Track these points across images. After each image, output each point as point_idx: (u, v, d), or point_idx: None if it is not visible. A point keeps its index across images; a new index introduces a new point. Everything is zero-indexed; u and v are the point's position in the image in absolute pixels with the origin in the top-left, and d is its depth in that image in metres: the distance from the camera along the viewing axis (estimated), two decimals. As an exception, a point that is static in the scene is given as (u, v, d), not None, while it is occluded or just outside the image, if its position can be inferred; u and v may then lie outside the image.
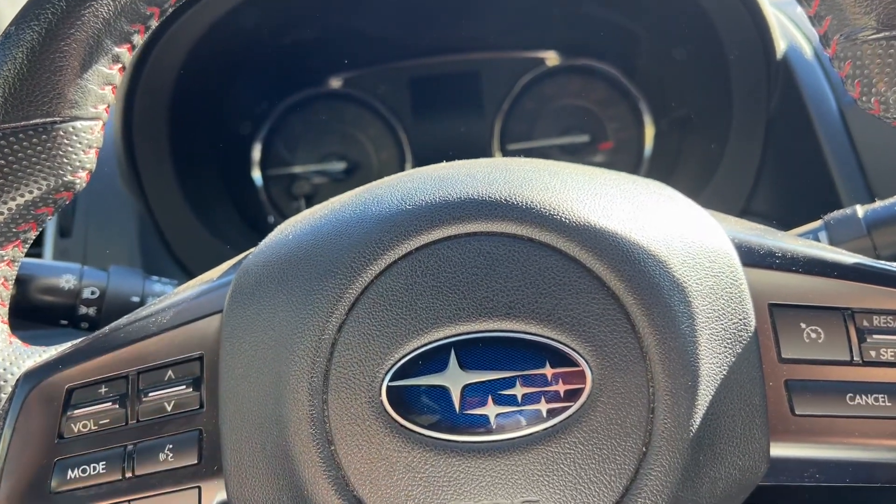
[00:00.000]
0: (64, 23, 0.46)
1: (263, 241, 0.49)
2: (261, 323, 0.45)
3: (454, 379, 0.42)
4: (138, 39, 0.49)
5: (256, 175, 1.12)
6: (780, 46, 0.89)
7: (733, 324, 0.44)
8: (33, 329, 0.64)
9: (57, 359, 0.48)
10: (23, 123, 0.45)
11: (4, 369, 0.47)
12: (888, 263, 0.48)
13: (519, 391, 0.41)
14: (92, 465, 0.46)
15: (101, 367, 0.47)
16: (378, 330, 0.43)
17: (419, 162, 1.12)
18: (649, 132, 1.10)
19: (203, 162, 1.00)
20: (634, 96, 1.10)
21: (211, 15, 0.87)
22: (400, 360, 0.42)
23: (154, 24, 0.49)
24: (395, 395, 0.42)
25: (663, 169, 1.06)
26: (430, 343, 0.42)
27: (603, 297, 0.42)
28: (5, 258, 0.48)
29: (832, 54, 0.46)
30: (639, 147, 1.11)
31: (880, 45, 0.44)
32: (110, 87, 0.48)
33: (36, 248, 0.90)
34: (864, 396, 0.45)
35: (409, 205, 0.45)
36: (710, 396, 0.42)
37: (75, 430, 0.47)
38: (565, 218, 0.43)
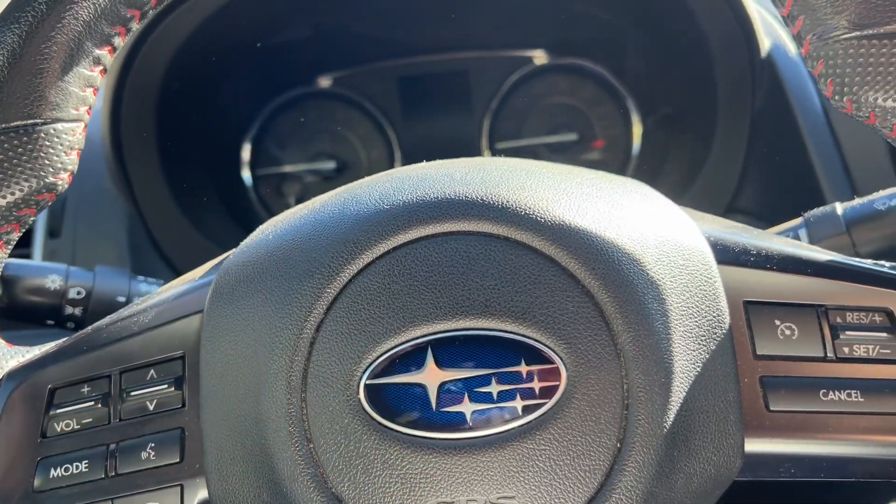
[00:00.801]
0: (44, 25, 0.46)
1: (244, 241, 0.50)
2: (240, 322, 0.45)
3: (431, 377, 0.42)
4: (119, 41, 0.49)
5: (246, 175, 1.12)
6: (765, 44, 0.90)
7: (707, 321, 0.45)
8: (19, 329, 0.65)
9: (40, 358, 0.48)
10: (3, 126, 0.46)
11: (-13, 369, 0.47)
12: (862, 261, 0.48)
13: (494, 388, 0.42)
14: (75, 464, 0.46)
15: (84, 367, 0.48)
16: (356, 329, 0.43)
17: (408, 161, 1.13)
18: (637, 130, 1.11)
19: (192, 161, 1.00)
20: (622, 95, 1.10)
21: (198, 15, 0.87)
22: (377, 358, 0.43)
23: (135, 25, 0.50)
24: (373, 393, 0.43)
25: (651, 166, 1.07)
26: (408, 341, 0.43)
27: (577, 295, 0.43)
28: (-13, 259, 0.48)
29: (805, 54, 0.46)
30: (627, 145, 1.11)
31: (852, 44, 0.44)
32: (91, 88, 0.49)
33: (25, 249, 0.91)
34: (837, 392, 0.45)
35: (387, 204, 0.45)
36: (685, 393, 0.43)
37: (58, 429, 0.47)
38: (540, 217, 0.44)
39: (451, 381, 0.42)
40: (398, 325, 0.43)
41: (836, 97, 0.46)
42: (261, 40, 1.03)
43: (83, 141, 0.49)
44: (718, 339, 0.45)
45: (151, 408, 0.47)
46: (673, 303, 0.44)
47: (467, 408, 0.42)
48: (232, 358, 0.45)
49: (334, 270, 0.44)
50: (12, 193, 0.47)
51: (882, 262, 0.48)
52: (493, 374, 0.42)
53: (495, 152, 1.14)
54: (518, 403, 0.42)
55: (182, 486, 0.46)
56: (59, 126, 0.47)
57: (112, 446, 0.46)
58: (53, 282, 0.64)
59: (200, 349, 0.46)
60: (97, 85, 0.49)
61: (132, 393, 0.47)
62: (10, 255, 0.52)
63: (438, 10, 1.07)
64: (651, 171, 1.06)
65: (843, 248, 0.62)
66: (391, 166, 1.14)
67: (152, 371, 0.47)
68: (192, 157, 1.00)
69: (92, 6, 0.47)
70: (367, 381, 0.43)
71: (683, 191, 0.97)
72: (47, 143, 0.47)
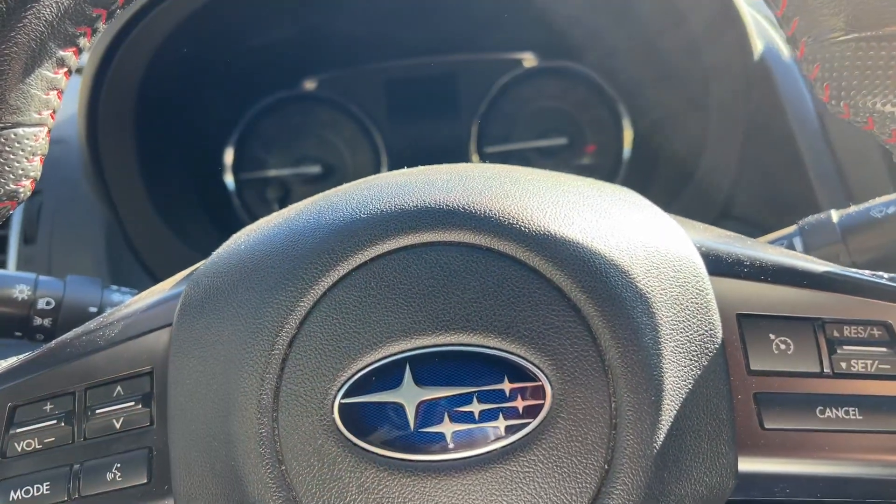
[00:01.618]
0: (4, 26, 0.44)
1: (216, 251, 0.47)
2: (210, 337, 0.43)
3: (409, 395, 0.40)
4: (85, 42, 0.47)
5: (229, 179, 1.10)
6: (758, 48, 0.88)
7: (699, 335, 0.43)
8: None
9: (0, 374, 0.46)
10: None
11: (-56, 386, 0.45)
12: (859, 272, 0.47)
13: (476, 407, 0.40)
14: (35, 486, 0.44)
15: (47, 383, 0.45)
16: (330, 344, 0.41)
17: (395, 165, 1.11)
18: (628, 135, 1.09)
19: (173, 166, 0.98)
20: (613, 99, 1.09)
21: (177, 15, 0.85)
22: (353, 375, 0.41)
23: (101, 26, 0.47)
24: (348, 412, 0.40)
25: (642, 171, 1.05)
26: (385, 358, 0.41)
27: (563, 309, 0.41)
28: (-54, 270, 0.46)
29: (800, 56, 0.45)
30: (617, 149, 1.09)
31: (849, 47, 0.42)
32: (55, 91, 0.46)
33: (0, 256, 0.88)
34: (834, 409, 0.43)
35: (364, 213, 0.43)
36: (675, 411, 0.41)
37: (18, 448, 0.45)
38: (524, 227, 0.42)
39: (430, 399, 0.40)
40: (374, 341, 0.41)
41: (833, 101, 0.44)
42: (243, 41, 1.01)
43: (47, 146, 0.47)
44: (711, 354, 0.43)
45: (118, 426, 0.45)
46: (663, 316, 0.42)
47: (447, 428, 0.40)
48: (201, 374, 0.43)
49: (308, 282, 0.42)
50: (-30, 201, 0.45)
51: (880, 274, 0.47)
52: (475, 392, 0.40)
53: (484, 156, 1.12)
54: (501, 423, 0.40)
55: None
56: (20, 131, 0.45)
57: (76, 467, 0.44)
58: (21, 292, 0.61)
59: (168, 364, 0.44)
60: (62, 87, 0.47)
61: (97, 410, 0.45)
62: None
63: (426, 12, 1.05)
64: (642, 176, 1.04)
65: (838, 256, 0.61)
66: (377, 170, 1.12)
67: (119, 387, 0.45)
68: (172, 162, 0.98)
69: (55, 5, 0.45)
70: (342, 400, 0.40)
71: (675, 197, 0.95)
72: (8, 149, 0.45)
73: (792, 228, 0.65)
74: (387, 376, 0.40)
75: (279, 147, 1.11)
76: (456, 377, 0.40)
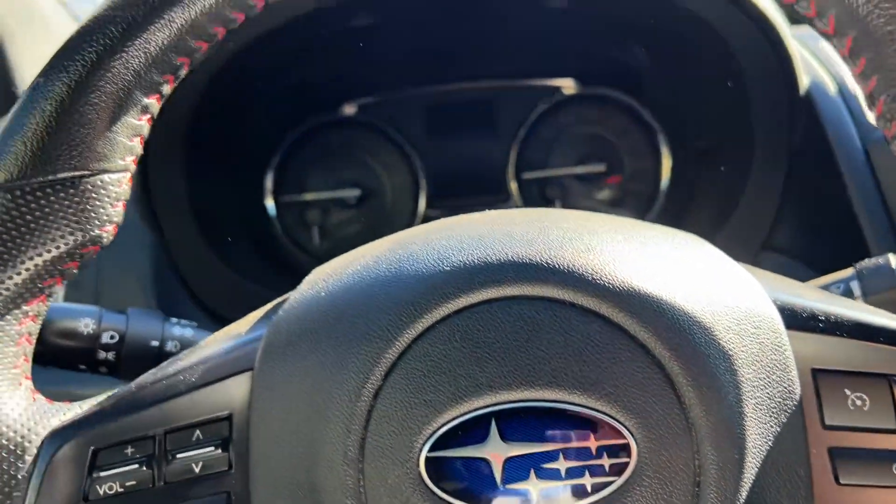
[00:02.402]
0: (93, 74, 0.45)
1: (293, 294, 0.48)
2: (293, 385, 0.44)
3: (495, 451, 0.41)
4: (167, 89, 0.48)
5: (270, 203, 1.10)
6: (804, 82, 0.88)
7: (778, 391, 0.43)
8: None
9: (82, 418, 0.47)
10: (51, 178, 0.44)
11: (29, 430, 0.46)
12: None
13: (562, 465, 0.40)
14: None
15: (128, 428, 0.46)
16: (416, 397, 0.41)
17: (433, 190, 1.11)
18: (666, 164, 1.09)
19: (217, 192, 0.99)
20: (652, 127, 1.09)
21: (227, 50, 0.86)
22: (438, 429, 0.41)
23: (184, 73, 0.48)
24: (434, 466, 0.41)
25: (680, 201, 1.05)
26: (470, 412, 0.41)
27: (647, 366, 0.41)
28: (30, 314, 0.47)
29: (879, 114, 0.45)
30: (655, 178, 1.10)
31: None
32: (138, 137, 0.47)
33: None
34: None
35: (447, 266, 0.43)
36: (756, 469, 0.41)
37: (101, 491, 0.45)
38: (608, 282, 0.42)
39: (516, 456, 0.40)
40: (460, 395, 0.41)
41: None
42: (287, 69, 1.02)
43: (129, 192, 0.48)
44: (789, 410, 0.43)
45: (197, 470, 0.45)
46: (744, 374, 0.42)
47: (534, 486, 0.40)
48: (284, 422, 0.44)
49: (393, 334, 0.42)
50: (57, 247, 0.45)
51: None
52: (561, 449, 0.40)
53: (522, 182, 1.12)
54: (587, 481, 0.40)
55: None
56: (105, 178, 0.46)
57: None
58: (87, 325, 0.62)
59: (251, 410, 0.45)
60: (144, 134, 0.48)
61: (177, 455, 0.45)
62: None
63: (466, 41, 1.05)
64: (680, 206, 1.04)
65: None
66: (416, 195, 1.12)
67: (198, 432, 0.46)
68: (217, 188, 0.99)
69: (143, 55, 0.45)
70: (428, 454, 0.41)
71: (716, 228, 0.95)
72: (94, 196, 0.46)
73: (849, 272, 0.65)
74: (473, 431, 0.41)
75: (319, 171, 1.12)
76: (541, 433, 0.41)
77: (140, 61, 0.45)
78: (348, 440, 0.42)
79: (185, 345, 0.67)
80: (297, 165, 1.11)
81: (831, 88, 0.90)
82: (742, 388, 0.42)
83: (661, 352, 0.41)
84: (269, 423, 0.44)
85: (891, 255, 0.63)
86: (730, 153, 0.98)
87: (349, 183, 1.12)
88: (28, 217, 0.44)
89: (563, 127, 1.12)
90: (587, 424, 0.41)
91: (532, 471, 0.40)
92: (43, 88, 0.44)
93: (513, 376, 0.41)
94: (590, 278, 0.42)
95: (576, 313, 0.42)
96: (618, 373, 0.41)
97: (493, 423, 0.41)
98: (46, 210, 0.44)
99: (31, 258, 0.45)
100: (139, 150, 0.48)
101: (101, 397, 0.48)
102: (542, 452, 0.40)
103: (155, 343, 0.64)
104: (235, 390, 0.46)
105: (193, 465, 0.45)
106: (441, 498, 0.40)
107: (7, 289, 0.45)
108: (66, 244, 0.46)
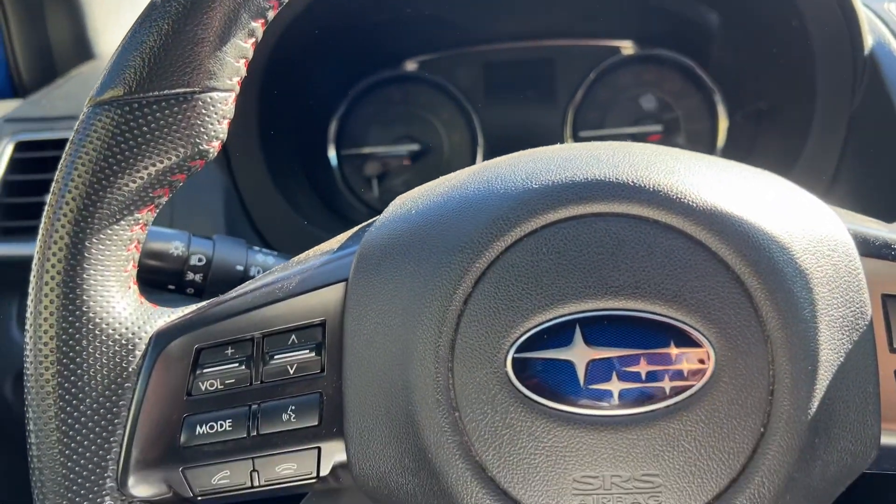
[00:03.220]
0: None
1: (384, 214, 0.51)
2: (387, 292, 0.47)
3: (579, 354, 0.43)
4: (271, 14, 0.50)
5: (332, 154, 1.13)
6: (868, 42, 0.89)
7: (851, 312, 0.45)
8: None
9: (186, 320, 0.50)
10: (165, 92, 0.47)
11: (139, 328, 0.49)
12: None
13: (643, 368, 0.43)
14: (219, 423, 0.48)
15: (229, 330, 0.49)
16: (504, 304, 0.44)
17: (491, 146, 1.13)
18: (723, 125, 1.10)
19: (286, 139, 1.02)
20: (710, 88, 1.10)
21: (298, 5, 0.89)
22: (525, 333, 0.44)
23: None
24: (520, 366, 0.44)
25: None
26: (556, 318, 0.44)
27: (728, 281, 0.43)
28: (140, 221, 0.50)
29: None
30: (711, 140, 1.11)
31: None
32: (244, 60, 0.50)
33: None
34: None
35: (536, 184, 0.46)
36: (828, 382, 0.43)
37: (203, 388, 0.49)
38: (691, 201, 0.44)
39: (599, 359, 0.43)
40: (547, 302, 0.44)
41: None
42: (353, 24, 1.04)
43: (233, 111, 0.51)
44: (860, 330, 0.45)
45: (292, 372, 0.48)
46: (819, 292, 0.44)
47: (615, 386, 0.43)
48: (377, 326, 0.46)
49: (483, 246, 0.45)
50: (168, 158, 0.49)
51: None
52: (642, 354, 0.43)
53: (578, 141, 1.14)
54: (666, 384, 0.43)
55: (319, 449, 0.48)
56: (214, 95, 0.49)
57: (254, 407, 0.48)
58: (176, 248, 0.65)
59: (345, 317, 0.48)
60: (249, 57, 0.50)
61: (274, 357, 0.49)
62: None
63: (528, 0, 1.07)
64: (737, 166, 1.05)
65: None
66: (473, 151, 1.14)
67: (293, 336, 0.49)
68: (286, 135, 1.02)
69: None
70: (515, 355, 0.44)
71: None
72: (203, 112, 0.49)
73: None
74: (558, 335, 0.43)
75: (379, 126, 1.14)
76: (624, 339, 0.43)
77: None
78: (440, 341, 0.44)
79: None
80: (358, 119, 1.14)
81: (894, 48, 0.90)
82: (817, 305, 0.44)
83: (741, 268, 0.43)
84: (363, 328, 0.47)
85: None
86: (789, 114, 0.98)
87: (408, 138, 1.14)
88: (144, 129, 0.47)
89: (620, 88, 1.13)
90: (668, 333, 0.43)
91: (614, 373, 0.43)
92: (160, 7, 0.47)
93: (597, 286, 0.43)
94: (674, 197, 0.44)
95: (659, 230, 0.44)
96: (698, 286, 0.43)
97: (578, 328, 0.43)
98: (161, 122, 0.48)
99: (146, 167, 0.48)
100: (244, 71, 0.50)
101: (203, 303, 0.52)
102: (623, 357, 0.43)
103: (240, 268, 0.67)
104: (330, 299, 0.49)
105: (289, 367, 0.48)
106: (526, 395, 0.43)
107: (123, 195, 0.48)
108: (176, 156, 0.49)
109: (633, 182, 0.45)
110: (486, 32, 1.12)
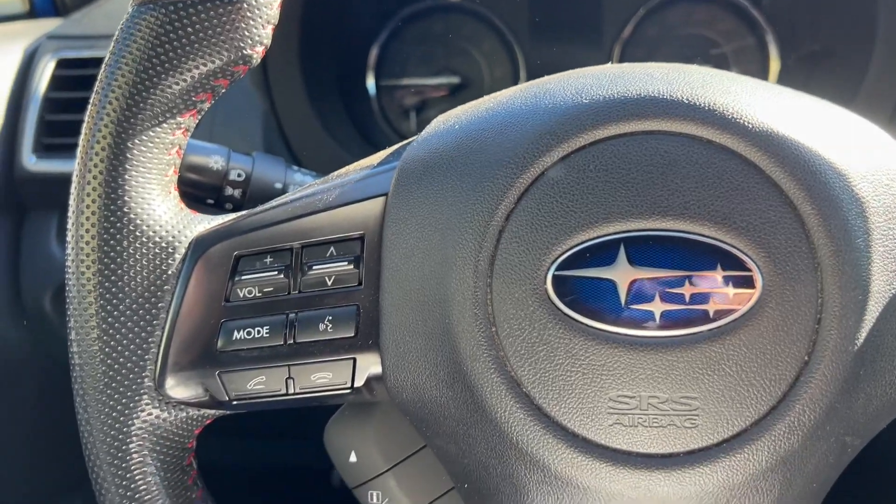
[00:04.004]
0: None
1: (426, 131, 0.50)
2: (427, 206, 0.46)
3: (622, 273, 0.42)
4: None
5: (370, 83, 1.12)
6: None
7: None
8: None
9: (226, 227, 0.50)
10: None
11: (178, 231, 0.49)
12: None
13: (687, 290, 0.42)
14: (256, 329, 0.48)
15: (268, 238, 0.49)
16: (547, 220, 0.43)
17: (533, 81, 1.11)
18: (774, 66, 1.06)
19: (326, 64, 1.01)
20: (762, 28, 1.06)
21: None
22: (567, 250, 0.43)
23: None
24: (560, 284, 0.43)
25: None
26: (600, 237, 0.43)
27: (780, 205, 0.42)
28: (182, 126, 0.49)
29: None
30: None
31: None
32: None
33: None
34: None
35: (586, 99, 0.45)
36: (878, 313, 0.42)
37: (241, 294, 0.49)
38: (746, 122, 0.43)
39: (642, 279, 0.42)
40: (591, 220, 0.43)
41: None
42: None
43: (277, 16, 0.50)
44: None
45: (329, 283, 0.48)
46: (875, 222, 0.43)
47: (657, 307, 0.42)
48: (418, 240, 0.46)
49: (528, 161, 0.44)
50: (212, 62, 0.48)
51: None
52: (687, 276, 0.42)
53: None
54: (710, 307, 0.42)
55: (355, 360, 0.48)
56: None
57: (291, 315, 0.48)
58: (216, 162, 0.65)
59: (384, 230, 0.47)
60: None
61: (312, 267, 0.48)
62: None
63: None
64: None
65: None
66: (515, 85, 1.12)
67: (332, 248, 0.49)
68: (325, 60, 1.01)
69: None
70: (555, 272, 0.43)
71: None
72: (248, 15, 0.48)
73: None
74: (601, 254, 0.43)
75: (419, 57, 1.12)
76: (669, 260, 0.42)
77: None
78: (479, 255, 0.44)
79: None
80: (399, 49, 1.12)
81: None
82: (872, 235, 0.42)
83: (794, 192, 0.42)
84: (402, 242, 0.47)
85: None
86: (844, 56, 0.95)
87: (449, 70, 1.12)
88: (189, 29, 0.47)
89: (669, 26, 1.10)
90: (714, 255, 0.42)
91: (657, 294, 0.42)
92: None
93: (645, 205, 0.42)
94: (729, 117, 0.43)
95: (712, 150, 0.43)
96: (749, 209, 0.42)
97: (622, 247, 0.42)
98: (206, 24, 0.47)
99: (189, 69, 0.47)
100: None
101: (243, 212, 0.52)
102: (667, 278, 0.42)
103: (278, 185, 0.67)
104: (369, 213, 0.48)
105: (326, 279, 0.48)
106: (564, 313, 0.43)
107: (166, 97, 0.47)
108: (220, 59, 0.48)
109: (687, 100, 0.43)
110: (532, -37, 1.09)
